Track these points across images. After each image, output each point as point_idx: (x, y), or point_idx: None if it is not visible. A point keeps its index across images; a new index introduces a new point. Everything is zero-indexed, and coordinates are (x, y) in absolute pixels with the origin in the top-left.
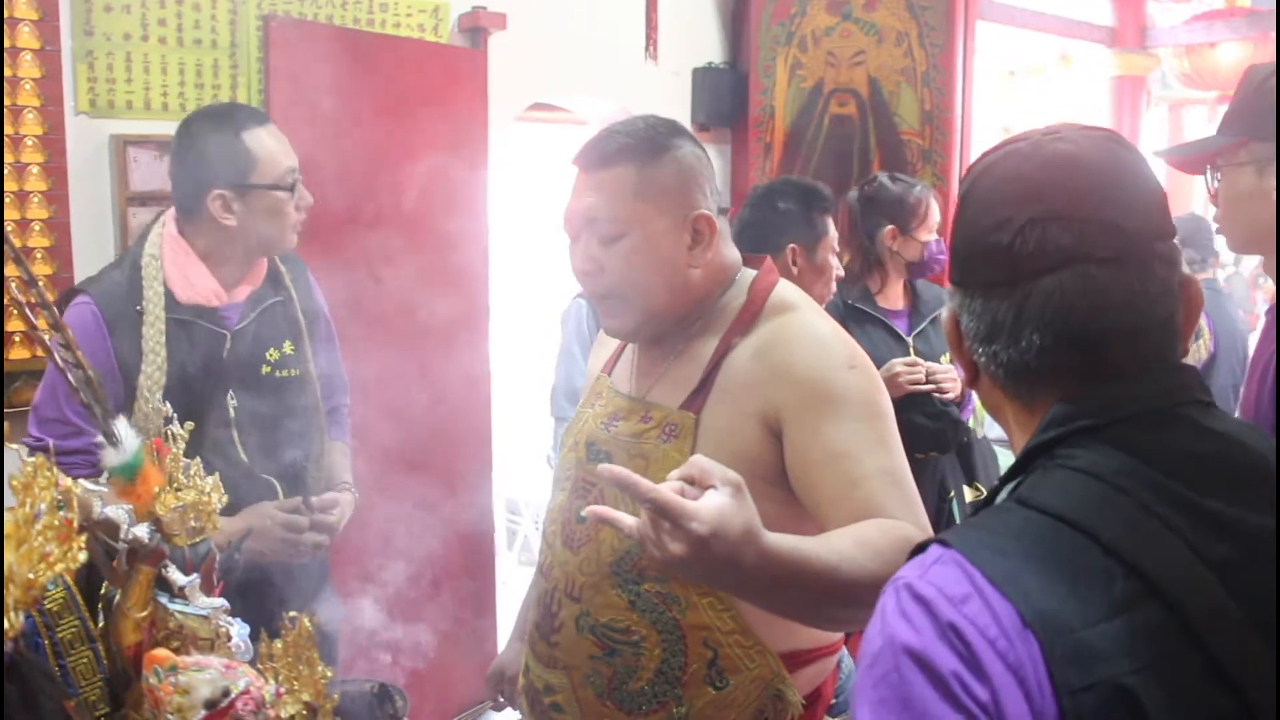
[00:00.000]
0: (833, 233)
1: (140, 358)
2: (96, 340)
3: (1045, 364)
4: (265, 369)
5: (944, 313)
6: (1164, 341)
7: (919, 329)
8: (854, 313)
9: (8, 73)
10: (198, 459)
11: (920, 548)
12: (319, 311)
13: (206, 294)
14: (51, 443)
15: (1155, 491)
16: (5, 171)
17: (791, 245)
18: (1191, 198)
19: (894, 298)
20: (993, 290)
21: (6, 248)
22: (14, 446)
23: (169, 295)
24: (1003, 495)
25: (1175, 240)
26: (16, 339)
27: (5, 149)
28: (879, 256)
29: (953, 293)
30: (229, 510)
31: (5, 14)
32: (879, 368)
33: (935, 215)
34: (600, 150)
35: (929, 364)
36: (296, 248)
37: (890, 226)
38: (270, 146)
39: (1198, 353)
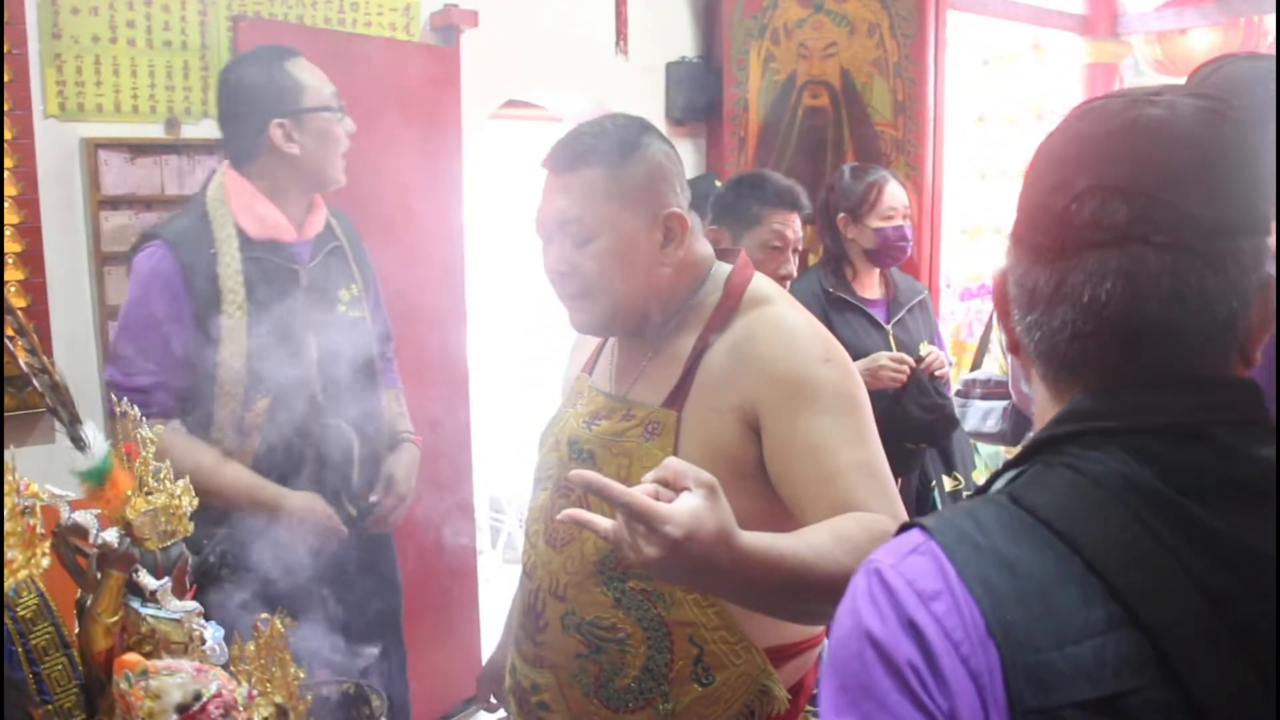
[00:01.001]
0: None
1: (219, 299)
2: (175, 283)
3: (1077, 351)
4: (340, 308)
5: (996, 270)
6: (1213, 348)
7: (898, 317)
8: (835, 301)
9: None
10: (167, 462)
11: (904, 528)
12: (368, 262)
13: (278, 228)
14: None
15: (1159, 509)
16: None
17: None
18: None
19: (871, 286)
20: (1039, 255)
21: None
22: None
23: (241, 235)
24: (999, 484)
25: (1269, 239)
26: None
27: None
28: (835, 245)
29: (1008, 249)
30: (297, 459)
31: None
32: (862, 356)
33: (891, 201)
34: (569, 152)
35: (919, 356)
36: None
37: (842, 214)
38: (313, 73)
39: None
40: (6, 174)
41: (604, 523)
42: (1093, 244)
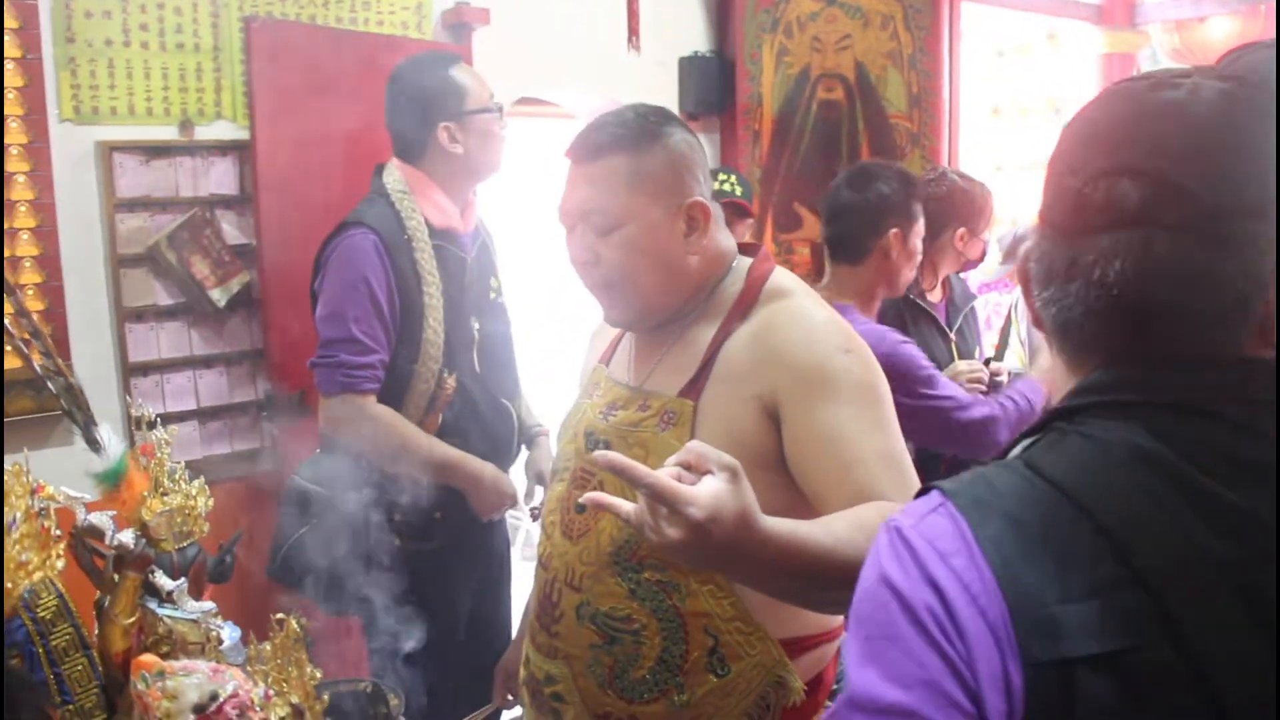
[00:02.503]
0: (923, 219)
1: (418, 281)
2: (380, 266)
3: (1087, 327)
4: (492, 294)
5: (1021, 249)
6: (1224, 329)
7: (956, 324)
8: (912, 309)
9: None
10: (183, 463)
11: (923, 491)
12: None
13: (455, 219)
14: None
15: (1168, 478)
16: None
17: (894, 230)
18: None
19: (934, 290)
20: (1058, 234)
21: None
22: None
23: (427, 223)
24: (1015, 451)
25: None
26: (8, 349)
27: None
28: (936, 255)
29: (1034, 228)
30: (467, 433)
31: None
32: (927, 361)
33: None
34: (591, 141)
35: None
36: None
37: (962, 229)
38: (475, 77)
39: None
40: (23, 178)
41: (625, 505)
42: (1105, 225)
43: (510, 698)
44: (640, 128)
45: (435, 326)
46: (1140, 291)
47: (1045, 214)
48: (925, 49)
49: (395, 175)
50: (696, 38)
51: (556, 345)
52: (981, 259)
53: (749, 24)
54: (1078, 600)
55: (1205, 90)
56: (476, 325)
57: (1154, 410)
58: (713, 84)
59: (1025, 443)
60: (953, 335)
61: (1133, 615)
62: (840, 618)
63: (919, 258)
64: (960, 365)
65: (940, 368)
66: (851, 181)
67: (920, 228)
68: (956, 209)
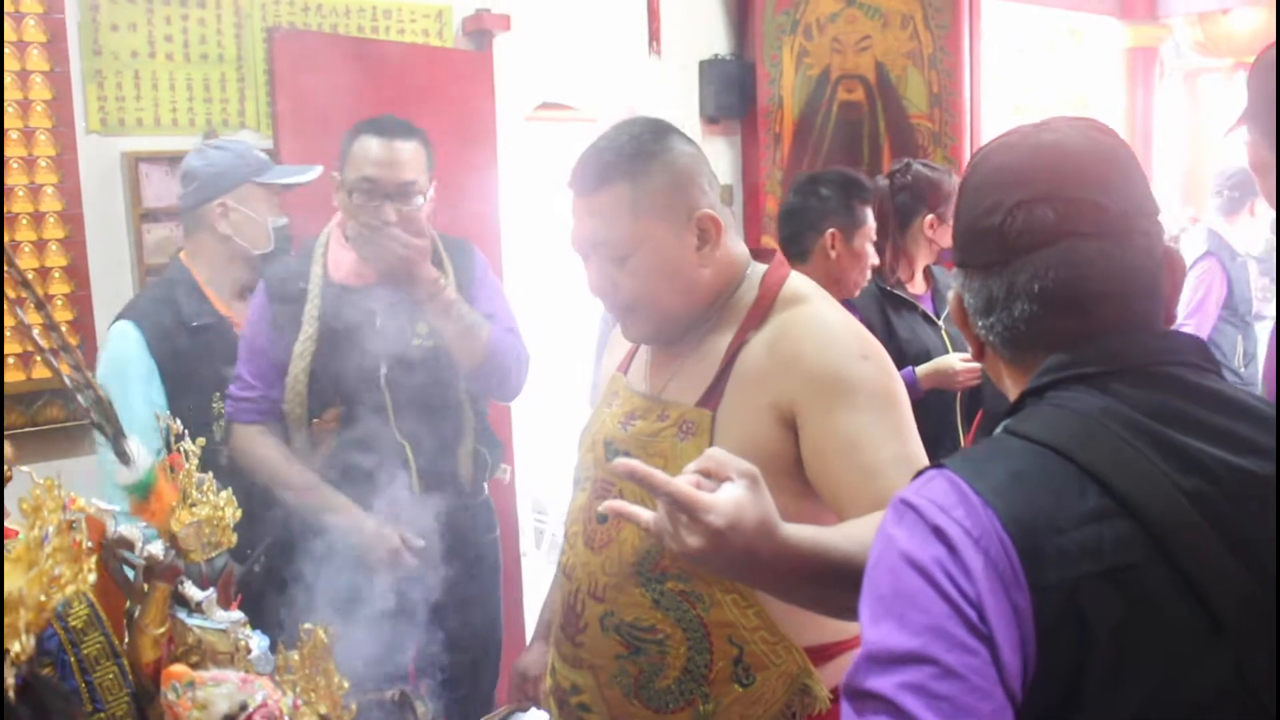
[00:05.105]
0: (871, 222)
1: (296, 329)
2: (263, 317)
3: (1035, 329)
4: (416, 341)
5: (950, 294)
6: (1149, 308)
7: (945, 312)
8: (891, 299)
9: (19, 96)
10: (210, 474)
11: (919, 473)
12: (478, 294)
13: (354, 272)
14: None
15: (1133, 428)
16: (20, 193)
17: (831, 230)
18: None
19: (917, 282)
20: (989, 269)
21: (14, 272)
22: (24, 469)
23: (328, 275)
24: (997, 431)
25: (1157, 219)
26: (38, 359)
27: (20, 172)
28: (909, 244)
29: (957, 274)
30: (355, 471)
31: (17, 38)
32: (920, 353)
33: None
34: (590, 172)
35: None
36: None
37: (930, 215)
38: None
39: None
40: (51, 190)
41: (645, 514)
42: (1031, 246)
43: (526, 700)
44: (637, 151)
45: (297, 373)
46: (1075, 289)
47: (969, 258)
48: (945, 48)
49: (333, 223)
50: (716, 41)
51: (583, 352)
52: None
53: (768, 26)
54: (1074, 528)
55: (1069, 129)
56: (384, 371)
57: (1107, 377)
58: (733, 87)
59: (1004, 423)
60: (941, 324)
61: (1126, 538)
62: None
63: (868, 259)
64: (952, 360)
65: (932, 356)
66: (797, 187)
67: (869, 230)
68: (923, 197)
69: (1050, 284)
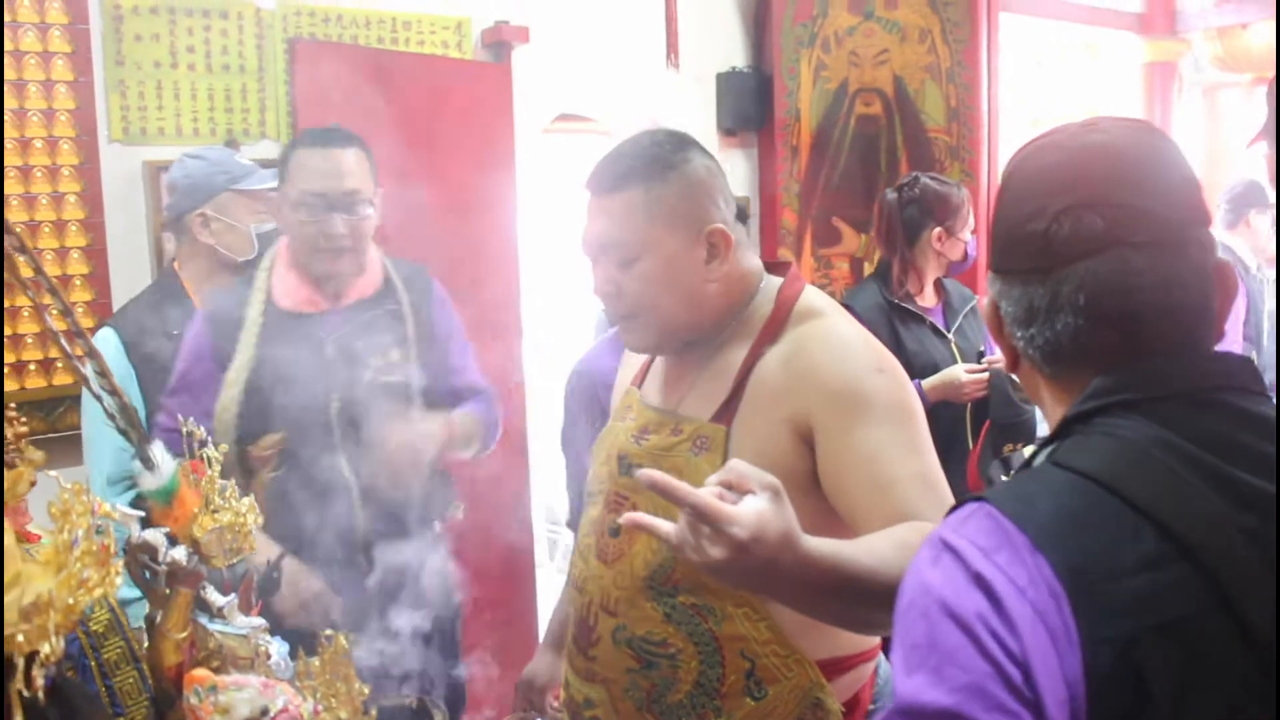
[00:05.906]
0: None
1: (230, 358)
2: (200, 346)
3: (1080, 344)
4: (369, 374)
5: (984, 300)
6: (1199, 324)
7: (956, 325)
8: (899, 311)
9: (43, 105)
10: (233, 480)
11: (957, 506)
12: (434, 322)
13: (304, 300)
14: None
15: (1188, 462)
16: (44, 201)
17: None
18: None
19: (927, 295)
20: (1030, 276)
21: (42, 279)
22: (52, 474)
23: (273, 303)
24: (1040, 459)
25: (1209, 229)
26: (59, 365)
27: (43, 180)
28: (917, 258)
29: (993, 280)
30: (296, 502)
31: (42, 48)
32: (928, 366)
33: (972, 214)
34: (608, 174)
35: (987, 363)
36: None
37: (938, 229)
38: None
39: None
40: (74, 198)
41: (665, 525)
42: (1078, 255)
43: (531, 709)
44: (656, 158)
45: (226, 402)
46: (1125, 303)
47: (1008, 264)
48: (963, 62)
49: (277, 245)
50: (734, 53)
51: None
52: (964, 259)
53: (786, 39)
54: (1130, 575)
55: (1118, 130)
56: (336, 404)
57: (1158, 403)
58: (750, 99)
59: (1047, 450)
60: (951, 337)
61: (1184, 586)
62: (876, 638)
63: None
64: (958, 373)
65: (940, 369)
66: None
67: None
68: (931, 210)
69: (1097, 296)
